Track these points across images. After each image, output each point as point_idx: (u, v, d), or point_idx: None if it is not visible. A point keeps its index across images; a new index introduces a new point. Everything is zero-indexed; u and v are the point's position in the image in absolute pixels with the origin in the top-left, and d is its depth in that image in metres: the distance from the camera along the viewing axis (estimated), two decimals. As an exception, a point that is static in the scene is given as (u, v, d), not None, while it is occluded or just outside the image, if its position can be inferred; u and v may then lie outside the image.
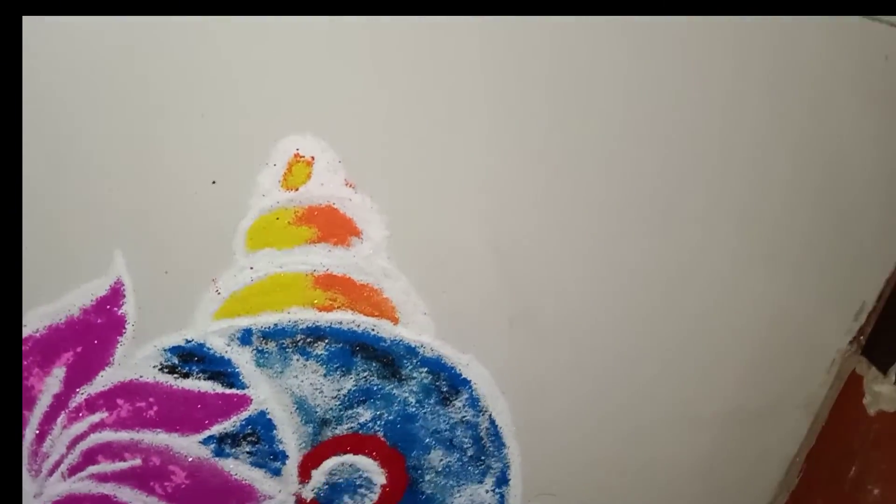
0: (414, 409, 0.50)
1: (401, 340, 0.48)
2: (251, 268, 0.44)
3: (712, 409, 0.54)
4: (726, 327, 0.51)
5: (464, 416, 0.51)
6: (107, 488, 0.48)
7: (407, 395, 0.50)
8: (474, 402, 0.51)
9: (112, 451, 0.47)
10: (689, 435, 0.55)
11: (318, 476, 0.51)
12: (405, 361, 0.48)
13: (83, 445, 0.47)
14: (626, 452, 0.56)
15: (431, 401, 0.50)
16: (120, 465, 0.48)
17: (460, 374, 0.50)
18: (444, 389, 0.50)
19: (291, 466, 0.50)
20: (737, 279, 0.50)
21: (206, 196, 0.42)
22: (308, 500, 0.51)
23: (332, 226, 0.44)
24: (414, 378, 0.49)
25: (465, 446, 0.52)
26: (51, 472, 0.47)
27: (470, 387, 0.50)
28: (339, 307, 0.46)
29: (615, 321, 0.51)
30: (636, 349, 0.52)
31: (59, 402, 0.46)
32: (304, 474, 0.50)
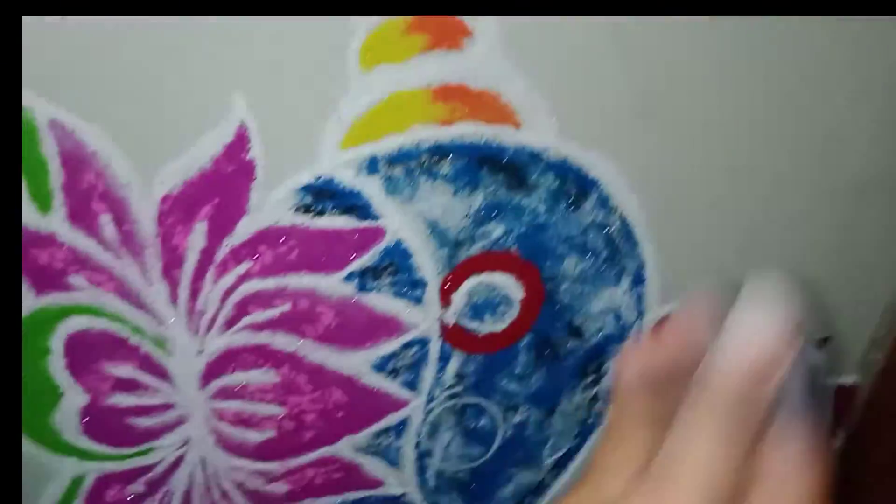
0: (544, 218, 0.50)
1: (524, 147, 0.47)
2: (369, 89, 0.44)
3: (845, 178, 0.53)
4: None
5: (595, 218, 0.51)
6: (262, 337, 0.50)
7: (536, 204, 0.49)
8: (604, 202, 0.50)
9: (262, 299, 0.49)
10: (823, 210, 0.54)
11: (458, 299, 0.52)
12: (531, 168, 0.48)
13: (234, 298, 0.48)
14: (757, 238, 0.55)
15: (561, 206, 0.50)
16: (271, 313, 0.49)
17: (587, 175, 0.49)
18: (573, 193, 0.49)
19: (432, 293, 0.51)
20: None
21: (315, 20, 0.41)
22: (451, 325, 0.52)
23: (442, 29, 0.42)
24: (541, 185, 0.49)
25: (598, 249, 0.52)
26: (209, 329, 0.49)
27: (598, 186, 0.49)
28: (459, 119, 0.45)
29: (739, 112, 0.49)
30: (763, 132, 0.50)
31: (206, 258, 0.47)
32: (445, 299, 0.51)
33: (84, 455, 0.52)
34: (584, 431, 0.61)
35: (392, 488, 0.59)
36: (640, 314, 0.55)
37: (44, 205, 0.44)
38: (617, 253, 0.52)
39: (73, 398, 0.50)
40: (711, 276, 0.55)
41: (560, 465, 0.62)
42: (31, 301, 0.46)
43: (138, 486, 0.55)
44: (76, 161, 0.43)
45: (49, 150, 0.42)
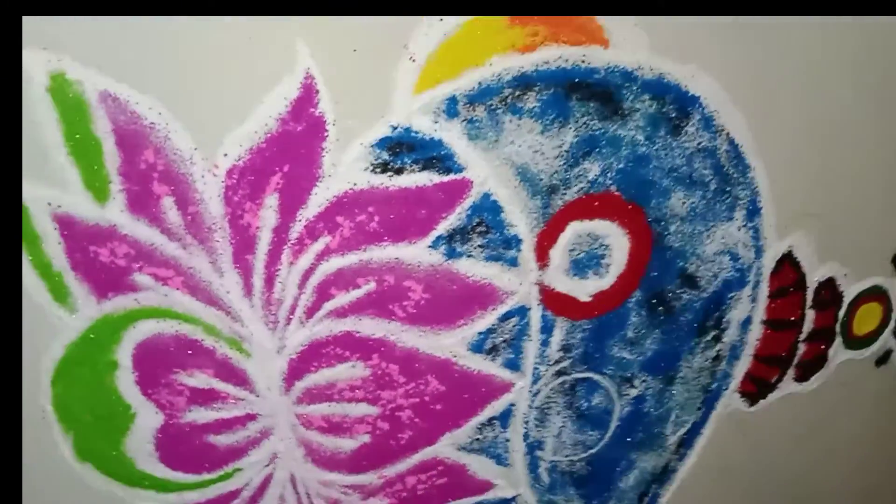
0: (644, 149, 0.45)
1: (615, 66, 0.42)
2: (440, 20, 0.39)
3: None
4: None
5: (699, 143, 0.45)
6: (347, 324, 0.45)
7: (634, 132, 0.44)
8: (708, 123, 0.45)
9: (344, 279, 0.44)
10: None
11: (557, 256, 0.46)
12: (624, 91, 0.43)
13: (314, 280, 0.43)
14: (878, 153, 0.49)
15: (661, 133, 0.45)
16: (355, 294, 0.44)
17: (687, 91, 0.44)
18: (673, 115, 0.44)
19: (527, 252, 0.46)
20: None
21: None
22: (551, 288, 0.46)
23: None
24: (637, 110, 0.44)
25: (706, 179, 0.46)
26: (288, 321, 0.44)
27: (700, 104, 0.44)
28: (541, 43, 0.41)
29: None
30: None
31: (280, 237, 0.42)
32: (542, 257, 0.46)
33: (162, 486, 0.47)
34: (709, 400, 0.54)
35: (503, 490, 0.52)
36: (759, 252, 0.49)
37: (101, 193, 0.39)
38: (727, 181, 0.47)
39: (147, 418, 0.45)
40: (832, 200, 0.49)
41: (685, 443, 0.55)
42: (92, 309, 0.42)
43: (224, 517, 0.49)
44: (132, 138, 0.39)
45: (102, 127, 0.38)
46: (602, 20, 0.41)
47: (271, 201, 0.42)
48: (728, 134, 0.45)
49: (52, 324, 0.41)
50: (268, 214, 0.42)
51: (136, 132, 0.39)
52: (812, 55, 0.45)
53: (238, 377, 0.45)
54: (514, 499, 0.53)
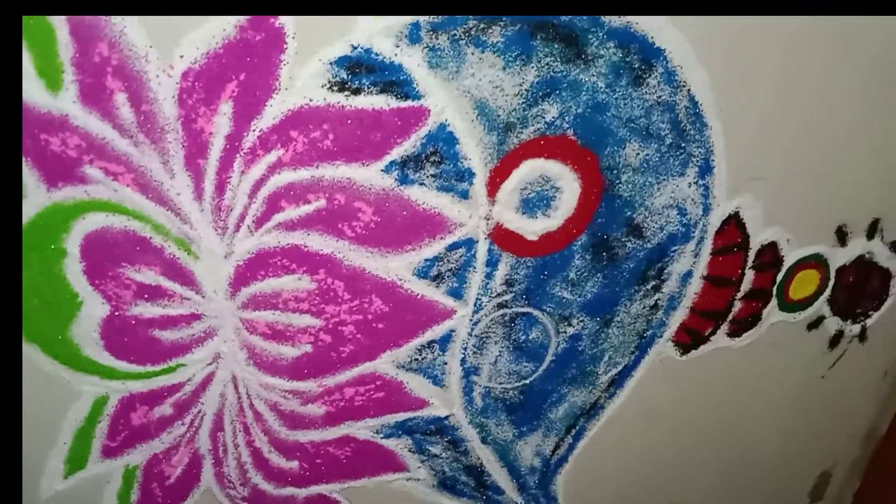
0: (604, 96, 0.45)
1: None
2: (410, -59, 0.38)
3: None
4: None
5: (659, 96, 0.46)
6: (295, 237, 0.46)
7: (595, 78, 0.44)
8: (670, 77, 0.45)
9: (295, 193, 0.44)
10: None
11: (508, 192, 0.47)
12: (590, 36, 0.43)
13: (265, 191, 0.44)
14: (833, 121, 0.49)
15: (622, 82, 0.45)
16: (305, 209, 0.45)
17: (653, 43, 0.44)
18: (636, 66, 0.44)
19: (479, 186, 0.46)
20: None
21: None
22: (499, 222, 0.47)
23: None
24: (601, 56, 0.44)
25: (662, 133, 0.47)
26: (237, 228, 0.45)
27: (664, 57, 0.44)
28: (512, -23, 0.40)
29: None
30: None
31: (233, 145, 0.42)
32: (493, 192, 0.47)
33: (107, 373, 0.48)
34: (643, 345, 0.56)
35: (437, 409, 0.55)
36: (707, 209, 0.50)
37: (54, 82, 0.39)
38: (683, 137, 0.47)
39: (93, 308, 0.46)
40: (785, 166, 0.50)
41: (616, 383, 0.57)
42: (42, 196, 0.42)
43: (166, 408, 0.51)
44: (86, 29, 0.38)
45: (56, 17, 0.38)
46: (575, -41, 0.40)
47: (226, 108, 0.42)
48: (689, 90, 0.45)
49: (1, 207, 0.41)
50: (221, 121, 0.42)
51: (90, 23, 0.38)
52: (785, 22, 0.45)
53: (185, 277, 0.46)
54: (446, 418, 0.55)
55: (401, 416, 0.55)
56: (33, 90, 0.39)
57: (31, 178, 0.42)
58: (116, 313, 0.46)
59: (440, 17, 0.41)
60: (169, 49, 0.40)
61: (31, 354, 0.46)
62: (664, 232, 0.50)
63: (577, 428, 0.59)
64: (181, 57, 0.40)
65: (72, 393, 0.48)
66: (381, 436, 0.55)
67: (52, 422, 0.49)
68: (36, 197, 0.42)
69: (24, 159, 0.41)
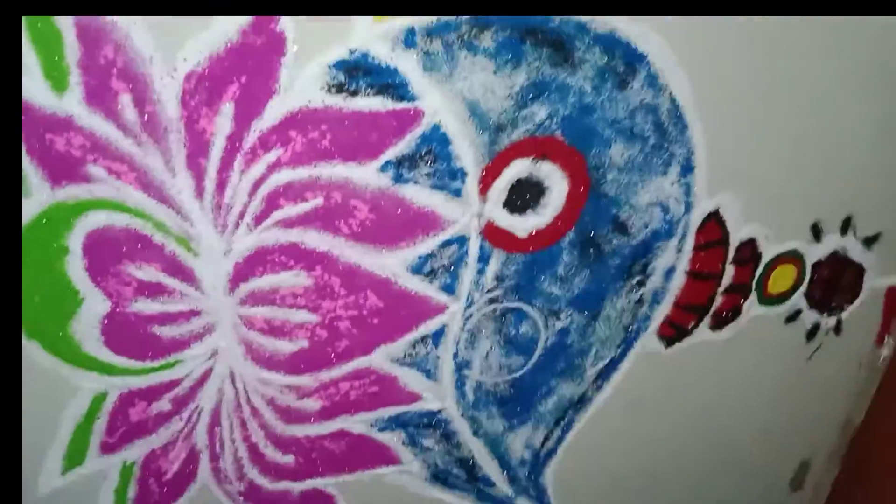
0: (591, 99, 0.47)
1: (570, 18, 0.44)
2: (406, -51, 0.40)
3: None
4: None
5: (643, 99, 0.48)
6: (293, 235, 0.47)
7: (582, 82, 0.46)
8: (653, 80, 0.47)
9: (293, 191, 0.46)
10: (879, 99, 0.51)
11: (499, 191, 0.49)
12: (577, 42, 0.45)
13: (264, 190, 0.45)
14: (814, 124, 0.52)
15: (608, 86, 0.47)
16: (303, 207, 0.47)
17: (636, 48, 0.46)
18: (620, 70, 0.46)
19: (471, 184, 0.48)
20: None
21: None
22: (491, 220, 0.49)
23: None
24: (587, 61, 0.46)
25: (646, 134, 0.49)
26: (237, 225, 0.46)
27: (647, 62, 0.46)
28: (503, -16, 0.42)
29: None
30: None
31: (233, 145, 0.44)
32: (484, 192, 0.48)
33: (106, 369, 0.49)
34: (628, 339, 0.58)
35: (429, 403, 0.56)
36: (688, 207, 0.53)
37: (59, 83, 0.40)
38: (665, 138, 0.49)
39: (94, 304, 0.47)
40: (763, 165, 0.52)
41: (603, 376, 0.59)
42: (45, 195, 0.43)
43: (164, 404, 0.52)
44: (93, 32, 0.39)
45: (63, 20, 0.39)
46: (563, -33, 0.42)
47: (227, 109, 0.43)
48: (671, 93, 0.48)
49: (6, 206, 0.42)
50: (223, 122, 0.43)
51: (97, 27, 0.40)
52: (759, 24, 0.47)
53: (185, 274, 0.47)
54: (439, 412, 0.57)
55: (394, 410, 0.56)
56: (39, 91, 0.40)
57: (35, 177, 0.43)
58: (117, 310, 0.48)
59: (434, 22, 0.43)
60: (173, 52, 0.41)
61: (32, 351, 0.47)
62: (648, 229, 0.52)
63: (566, 420, 0.61)
64: (184, 60, 0.41)
65: (71, 389, 0.49)
66: (376, 429, 0.56)
67: (51, 418, 0.50)
68: (40, 195, 0.43)
69: (28, 158, 0.42)
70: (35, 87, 0.40)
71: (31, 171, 0.42)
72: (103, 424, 0.51)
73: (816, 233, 0.59)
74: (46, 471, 0.50)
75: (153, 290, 0.47)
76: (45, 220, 0.44)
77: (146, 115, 0.42)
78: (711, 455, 0.70)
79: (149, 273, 0.47)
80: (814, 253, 0.60)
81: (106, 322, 0.48)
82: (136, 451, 0.52)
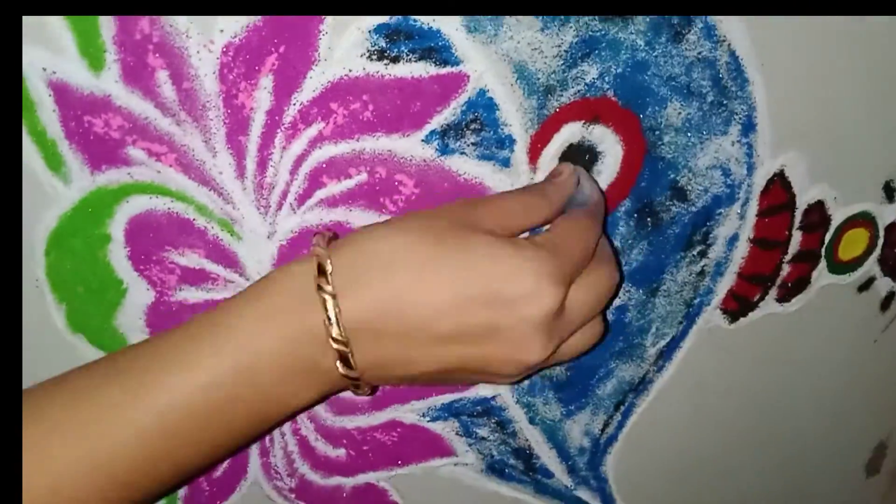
0: (644, 54, 0.44)
1: (621, -35, 0.41)
2: None
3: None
4: None
5: (700, 52, 0.45)
6: (338, 213, 0.45)
7: (634, 36, 0.44)
8: (709, 32, 0.44)
9: (336, 168, 0.44)
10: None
11: (549, 159, 0.46)
12: (628, -7, 0.42)
13: (306, 167, 0.44)
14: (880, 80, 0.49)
15: (662, 39, 0.44)
16: (347, 184, 0.45)
17: (692, -4, 0.43)
18: (675, 21, 0.44)
19: (520, 153, 0.46)
20: None
21: None
22: (542, 190, 0.47)
23: None
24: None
25: (704, 91, 0.46)
26: (279, 206, 0.45)
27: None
28: (548, -66, 0.40)
29: None
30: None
31: (273, 120, 0.42)
32: (534, 160, 0.46)
33: (153, 362, 0.48)
34: (690, 314, 0.55)
35: (484, 389, 0.54)
36: (751, 169, 0.50)
37: (96, 61, 0.39)
38: (725, 94, 0.47)
39: (138, 294, 0.46)
40: (829, 121, 0.49)
41: (664, 356, 0.56)
42: (86, 181, 0.42)
43: (212, 397, 0.50)
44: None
45: (97, -7, 0.38)
46: (611, -86, 0.40)
47: (266, 82, 0.42)
48: (730, 45, 0.45)
49: (46, 193, 0.42)
50: (262, 96, 0.42)
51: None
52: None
53: (229, 259, 0.46)
54: (493, 398, 0.55)
55: (447, 398, 0.54)
56: (76, 71, 0.39)
57: (74, 163, 0.42)
58: (161, 299, 0.46)
59: (477, -21, 0.41)
60: (209, 24, 0.39)
61: (77, 345, 0.46)
62: (709, 194, 0.50)
63: (626, 404, 0.58)
64: (221, 31, 0.40)
65: (118, 384, 0.47)
66: (428, 419, 0.54)
67: (100, 414, 0.48)
68: (80, 181, 0.42)
69: (67, 144, 0.41)
70: (71, 67, 0.39)
71: (70, 157, 0.41)
72: (151, 420, 0.49)
73: (889, 192, 0.56)
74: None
75: (197, 278, 0.46)
76: (86, 208, 0.43)
77: (184, 92, 0.41)
78: (779, 438, 0.66)
79: (192, 259, 0.46)
80: (887, 214, 0.56)
81: (150, 312, 0.47)
82: (184, 448, 0.50)
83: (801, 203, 0.53)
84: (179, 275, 0.46)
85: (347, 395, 0.52)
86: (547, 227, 0.42)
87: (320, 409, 0.53)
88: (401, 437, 0.55)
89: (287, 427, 0.53)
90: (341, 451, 0.55)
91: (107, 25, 0.39)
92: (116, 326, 0.47)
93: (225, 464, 0.53)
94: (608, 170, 0.48)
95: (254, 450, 0.53)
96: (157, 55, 0.40)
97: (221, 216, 0.45)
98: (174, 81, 0.41)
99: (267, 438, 0.53)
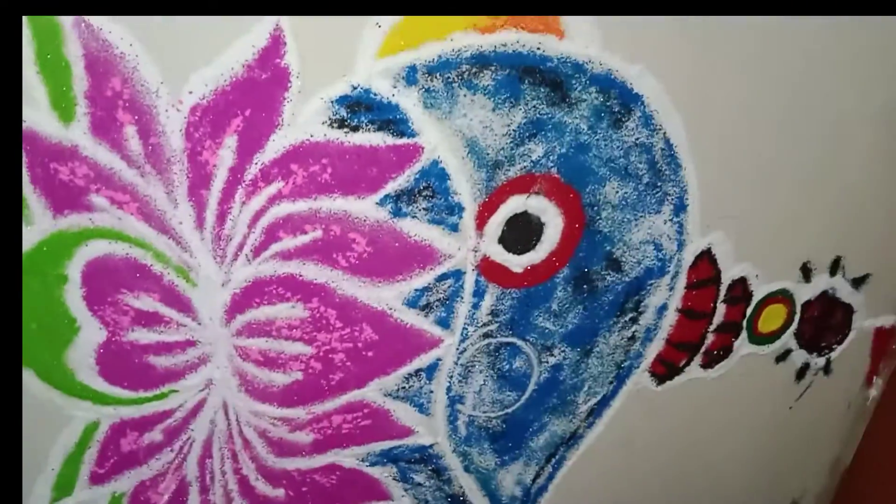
0: (586, 137, 0.48)
1: (568, 57, 0.45)
2: (410, -9, 0.41)
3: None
4: None
5: (637, 138, 0.49)
6: (291, 267, 0.48)
7: (578, 121, 0.47)
8: (647, 120, 0.48)
9: (293, 224, 0.46)
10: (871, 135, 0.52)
11: (495, 227, 0.49)
12: (573, 82, 0.46)
13: (264, 222, 0.46)
14: (807, 166, 0.53)
15: (603, 125, 0.48)
16: (302, 239, 0.47)
17: (631, 89, 0.47)
18: (616, 109, 0.48)
19: (468, 220, 0.49)
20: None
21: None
22: (486, 255, 0.50)
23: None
24: (584, 100, 0.47)
25: (640, 173, 0.50)
26: (236, 256, 0.47)
27: (642, 102, 0.48)
28: (501, 26, 0.44)
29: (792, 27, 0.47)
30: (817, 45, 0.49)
31: (235, 177, 0.44)
32: (481, 226, 0.49)
33: (99, 398, 0.49)
34: (621, 375, 0.58)
35: (422, 438, 0.56)
36: (681, 245, 0.54)
37: (66, 114, 0.41)
38: (659, 177, 0.50)
39: (90, 333, 0.47)
40: (754, 205, 0.54)
41: (595, 413, 0.59)
42: (47, 223, 0.44)
43: (155, 434, 0.52)
44: (102, 64, 0.40)
45: (73, 51, 0.40)
46: (561, 12, 0.44)
47: (230, 142, 0.44)
48: (665, 133, 0.49)
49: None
50: (226, 154, 0.44)
51: (106, 59, 0.40)
52: (754, 67, 0.49)
53: (182, 304, 0.48)
54: (431, 446, 0.57)
55: (387, 444, 0.56)
56: (46, 121, 0.41)
57: (37, 206, 0.43)
58: (113, 339, 0.48)
59: (435, 61, 0.44)
60: (179, 85, 0.42)
61: (26, 379, 0.47)
62: (641, 266, 0.53)
63: (558, 457, 0.61)
64: (190, 92, 0.42)
65: (63, 418, 0.49)
66: (367, 464, 0.56)
67: (42, 447, 0.49)
68: (41, 224, 0.43)
69: (32, 188, 0.43)
70: (41, 118, 0.41)
71: (33, 200, 0.43)
72: (94, 454, 0.50)
73: (806, 273, 0.60)
74: (35, 500, 0.49)
75: (150, 320, 0.48)
76: (45, 249, 0.44)
77: (150, 147, 0.43)
78: (702, 494, 0.70)
79: (146, 302, 0.47)
80: (803, 293, 0.61)
81: (101, 351, 0.48)
82: (125, 483, 0.51)
83: (726, 279, 0.57)
84: (133, 316, 0.47)
85: (290, 437, 0.54)
86: None
87: (262, 451, 0.54)
88: (340, 480, 0.57)
89: (228, 466, 0.54)
90: (280, 492, 0.57)
91: (80, 81, 0.41)
92: (66, 363, 0.48)
93: (164, 499, 0.54)
94: (549, 239, 0.51)
95: (194, 486, 0.55)
96: (127, 111, 0.42)
97: (178, 263, 0.46)
98: (141, 136, 0.43)
99: (207, 476, 0.54)
